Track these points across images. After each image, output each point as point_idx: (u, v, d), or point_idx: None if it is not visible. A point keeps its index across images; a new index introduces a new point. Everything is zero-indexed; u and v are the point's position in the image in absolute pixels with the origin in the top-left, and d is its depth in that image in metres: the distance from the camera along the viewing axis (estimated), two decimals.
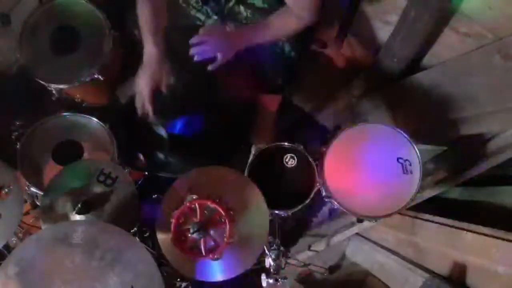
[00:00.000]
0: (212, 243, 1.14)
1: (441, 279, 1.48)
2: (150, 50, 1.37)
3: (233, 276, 1.17)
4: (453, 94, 1.47)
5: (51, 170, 1.42)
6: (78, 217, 1.24)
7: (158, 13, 1.40)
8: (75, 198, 1.25)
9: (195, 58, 1.31)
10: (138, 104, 1.42)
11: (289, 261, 1.62)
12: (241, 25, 1.48)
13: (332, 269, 2.01)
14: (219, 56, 1.32)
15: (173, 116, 1.53)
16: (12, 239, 1.53)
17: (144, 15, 1.39)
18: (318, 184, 1.39)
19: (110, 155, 1.45)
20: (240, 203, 1.20)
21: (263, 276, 1.40)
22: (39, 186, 1.41)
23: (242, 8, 1.45)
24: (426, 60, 1.60)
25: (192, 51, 1.31)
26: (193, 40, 1.32)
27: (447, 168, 1.68)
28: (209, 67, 1.33)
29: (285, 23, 1.40)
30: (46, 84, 1.54)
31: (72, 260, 1.03)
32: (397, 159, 1.34)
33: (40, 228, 1.29)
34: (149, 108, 1.40)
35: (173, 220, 1.12)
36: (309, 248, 1.91)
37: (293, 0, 1.36)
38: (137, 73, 1.40)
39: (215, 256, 1.12)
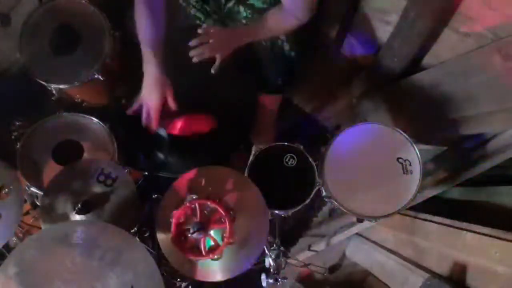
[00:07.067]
0: (212, 243, 1.14)
1: (441, 279, 1.49)
2: (152, 70, 1.38)
3: (233, 276, 1.17)
4: (453, 94, 1.47)
5: (51, 170, 1.41)
6: (78, 217, 1.24)
7: (158, 24, 1.40)
8: (75, 198, 1.25)
9: (194, 60, 1.32)
10: (143, 117, 1.43)
11: (289, 261, 1.62)
12: (241, 24, 1.48)
13: (332, 269, 2.02)
14: (217, 56, 1.32)
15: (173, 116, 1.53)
16: (12, 239, 1.53)
17: (142, 25, 1.40)
18: (318, 184, 1.39)
19: (110, 155, 1.45)
20: (240, 203, 1.20)
21: (263, 276, 1.40)
22: (39, 186, 1.41)
23: (241, 8, 1.45)
24: (426, 60, 1.60)
25: (191, 53, 1.32)
26: (193, 43, 1.32)
27: (447, 168, 1.68)
28: (212, 70, 1.33)
29: (280, 22, 1.41)
30: (46, 84, 1.54)
31: (72, 260, 1.03)
32: (397, 159, 1.34)
33: (40, 228, 1.29)
34: (155, 123, 1.42)
35: (173, 220, 1.12)
36: (309, 248, 1.91)
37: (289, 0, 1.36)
38: (142, 89, 1.41)
39: (215, 256, 1.12)
